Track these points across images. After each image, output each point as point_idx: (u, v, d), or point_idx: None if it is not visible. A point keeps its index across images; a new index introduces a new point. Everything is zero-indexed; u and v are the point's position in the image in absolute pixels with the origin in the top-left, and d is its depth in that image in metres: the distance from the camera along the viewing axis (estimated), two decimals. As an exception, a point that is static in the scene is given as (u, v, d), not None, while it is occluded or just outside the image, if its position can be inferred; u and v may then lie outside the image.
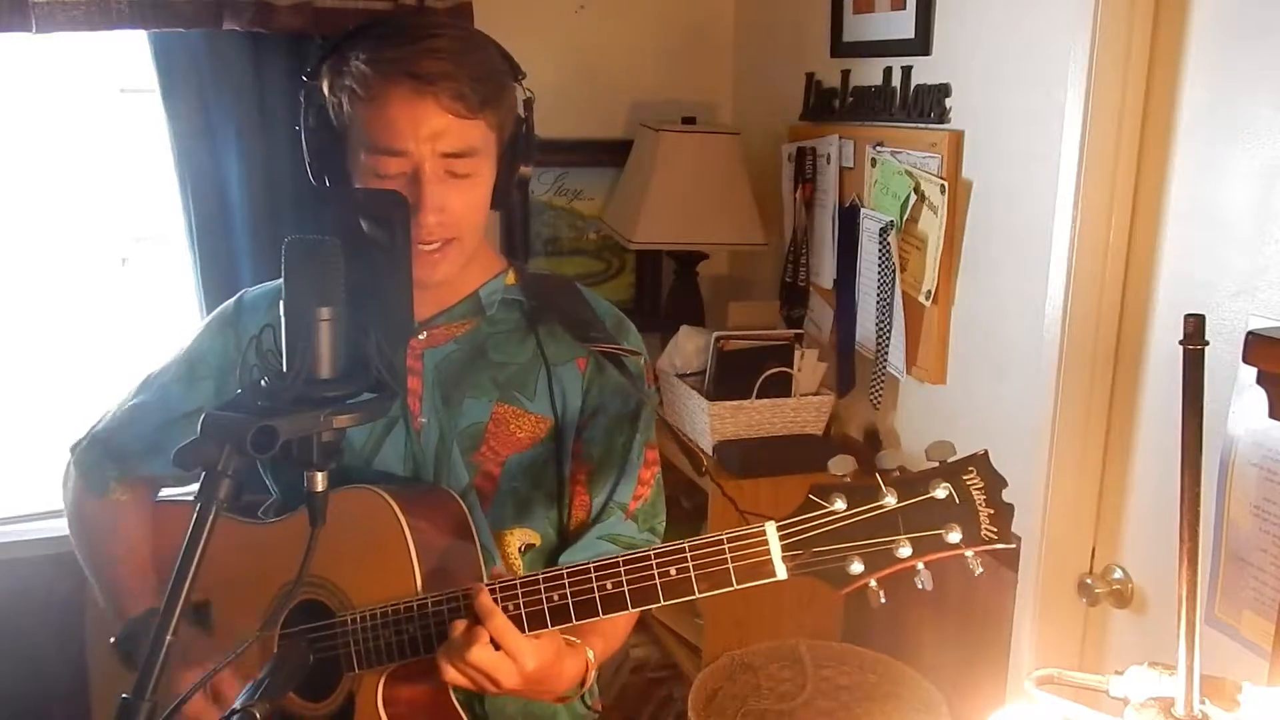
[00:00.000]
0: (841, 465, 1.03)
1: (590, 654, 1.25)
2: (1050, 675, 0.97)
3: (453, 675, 1.13)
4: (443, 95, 1.18)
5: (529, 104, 1.32)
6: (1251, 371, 1.21)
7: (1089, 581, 1.63)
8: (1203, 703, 0.87)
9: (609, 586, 1.08)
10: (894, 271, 1.95)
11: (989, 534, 0.98)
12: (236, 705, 1.02)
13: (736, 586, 1.04)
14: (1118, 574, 1.62)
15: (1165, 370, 1.52)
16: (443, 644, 1.14)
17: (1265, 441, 1.31)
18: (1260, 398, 1.18)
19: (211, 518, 0.86)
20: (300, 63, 2.14)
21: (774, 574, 1.03)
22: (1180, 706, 0.86)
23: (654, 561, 1.07)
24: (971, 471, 0.99)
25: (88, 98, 2.30)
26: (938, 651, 1.95)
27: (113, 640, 1.34)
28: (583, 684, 1.26)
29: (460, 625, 1.12)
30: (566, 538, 1.40)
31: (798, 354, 2.15)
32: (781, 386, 2.13)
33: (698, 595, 1.05)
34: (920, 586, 1.00)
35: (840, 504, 1.00)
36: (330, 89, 1.24)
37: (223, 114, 2.18)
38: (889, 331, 2.00)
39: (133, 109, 2.29)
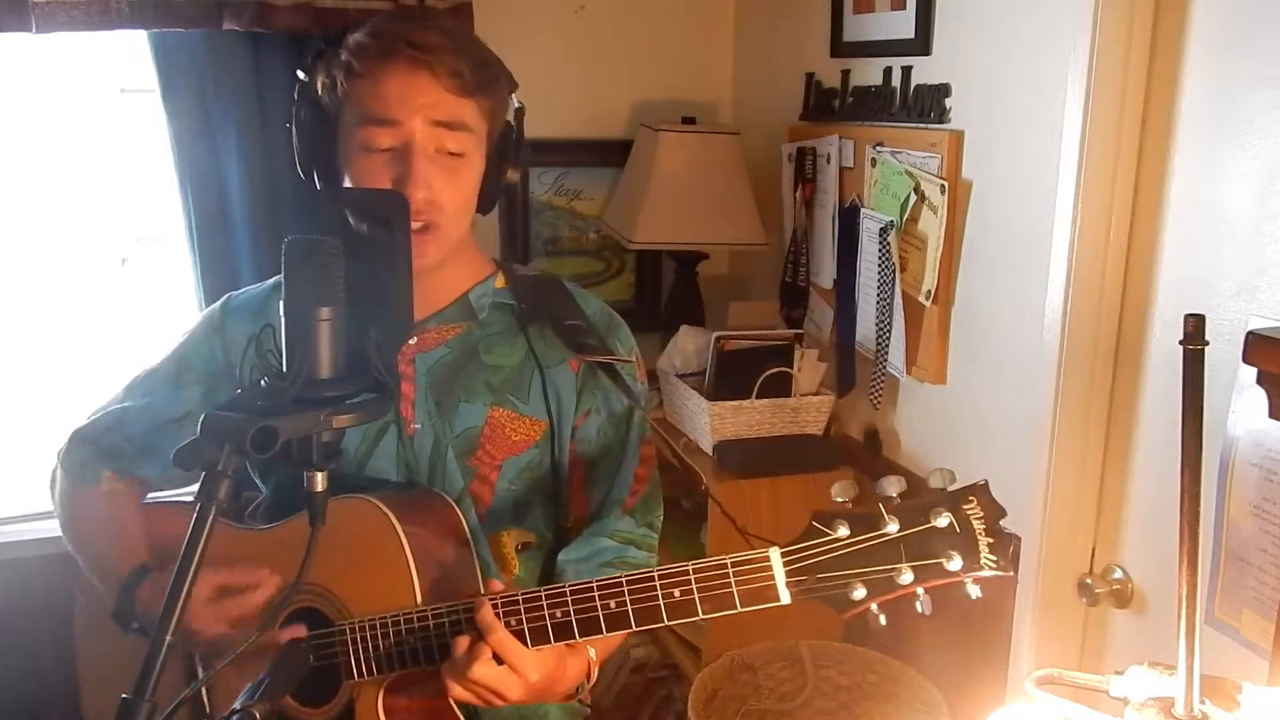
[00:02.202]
0: (844, 491, 1.03)
1: (592, 652, 1.25)
2: (1050, 675, 0.97)
3: (459, 693, 1.13)
4: (439, 69, 1.19)
5: (519, 113, 1.32)
6: (1251, 371, 1.21)
7: (1089, 581, 1.63)
8: (1203, 703, 0.87)
9: (613, 605, 1.08)
10: (894, 271, 1.95)
11: (988, 562, 0.99)
12: (236, 705, 1.02)
13: (740, 609, 1.06)
14: (1118, 574, 1.62)
15: (1165, 370, 1.52)
16: (446, 662, 1.13)
17: (1265, 441, 1.30)
18: (1260, 398, 1.18)
19: (211, 517, 0.86)
20: (300, 63, 2.14)
21: (778, 599, 1.04)
22: (1180, 706, 0.86)
23: (658, 582, 1.07)
24: (972, 501, 1.00)
25: (88, 98, 2.30)
26: (938, 651, 1.94)
27: (111, 612, 1.32)
28: (587, 680, 1.26)
29: (463, 642, 1.12)
30: (564, 535, 1.40)
31: (798, 354, 2.15)
32: (781, 386, 2.13)
33: (701, 617, 1.07)
34: (920, 611, 1.02)
35: (844, 531, 1.01)
36: (326, 70, 1.25)
37: (223, 114, 2.17)
38: (889, 331, 2.00)
39: (133, 109, 2.29)
